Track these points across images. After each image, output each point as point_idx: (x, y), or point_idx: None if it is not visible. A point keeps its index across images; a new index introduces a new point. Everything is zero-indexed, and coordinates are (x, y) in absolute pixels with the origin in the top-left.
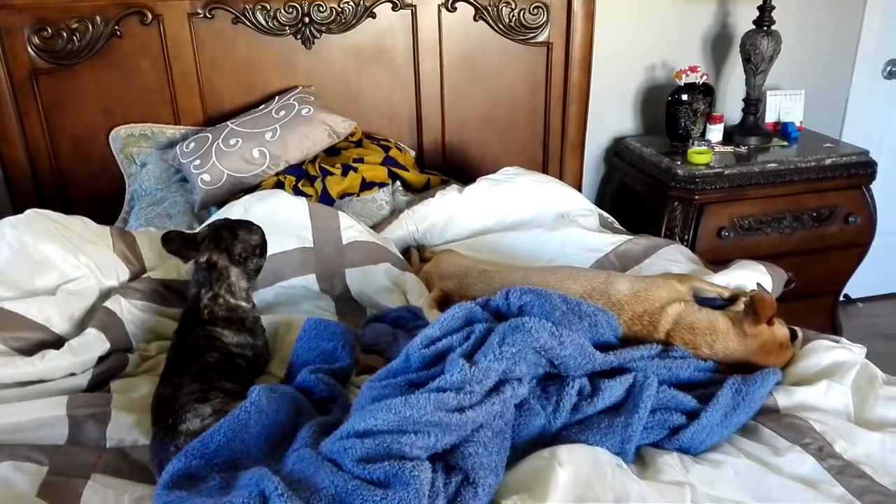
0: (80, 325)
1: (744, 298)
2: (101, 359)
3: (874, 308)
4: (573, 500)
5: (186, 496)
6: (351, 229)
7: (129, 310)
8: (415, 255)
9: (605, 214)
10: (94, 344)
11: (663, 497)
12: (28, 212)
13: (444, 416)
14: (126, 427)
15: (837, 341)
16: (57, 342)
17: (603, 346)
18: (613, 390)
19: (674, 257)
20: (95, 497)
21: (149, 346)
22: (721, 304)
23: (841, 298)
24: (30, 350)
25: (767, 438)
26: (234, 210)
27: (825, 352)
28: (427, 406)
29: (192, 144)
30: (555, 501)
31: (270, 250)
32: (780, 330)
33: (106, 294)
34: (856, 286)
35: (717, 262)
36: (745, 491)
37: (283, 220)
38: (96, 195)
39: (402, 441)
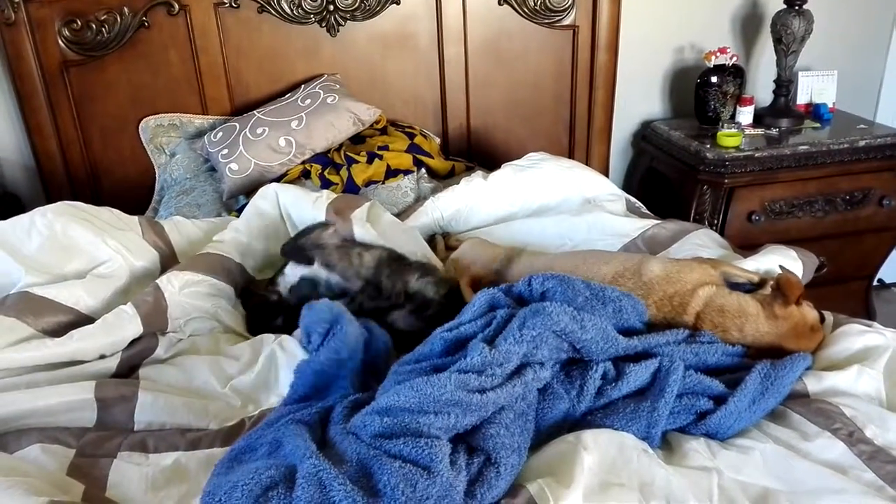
0: (109, 307)
1: (772, 282)
2: (132, 341)
3: None
4: (598, 485)
5: (238, 467)
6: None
7: (177, 288)
8: (440, 243)
9: (633, 199)
10: (127, 323)
11: (689, 482)
12: (58, 203)
13: (464, 395)
14: (155, 409)
15: (869, 325)
16: (87, 324)
17: (628, 332)
18: (638, 375)
19: (702, 242)
20: (122, 475)
21: (184, 327)
22: (750, 288)
23: (875, 283)
24: (60, 334)
25: (796, 424)
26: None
27: (856, 336)
28: (448, 385)
29: (220, 134)
30: (580, 486)
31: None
32: (810, 312)
33: (140, 275)
34: (890, 271)
35: (747, 246)
36: (773, 476)
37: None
38: (127, 185)
39: (420, 420)
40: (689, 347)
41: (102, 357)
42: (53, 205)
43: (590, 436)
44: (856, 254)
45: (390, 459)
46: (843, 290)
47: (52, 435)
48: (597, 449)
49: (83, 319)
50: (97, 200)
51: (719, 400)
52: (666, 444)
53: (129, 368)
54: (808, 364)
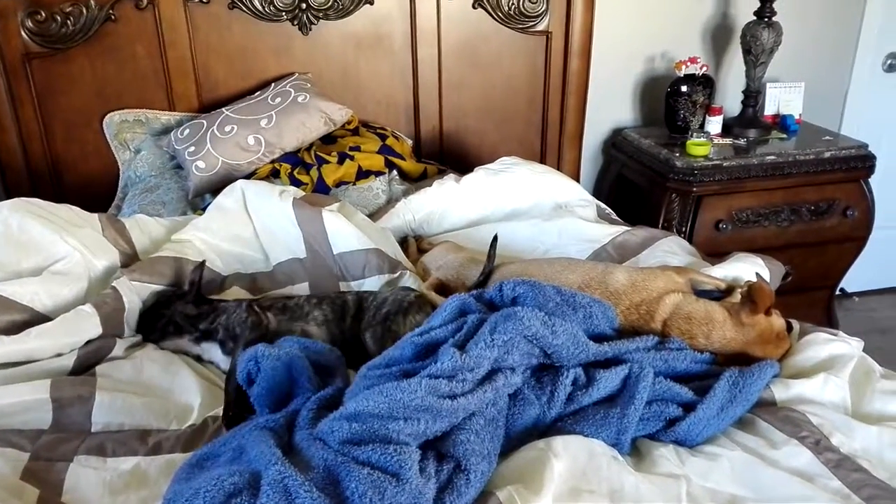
0: (67, 307)
1: (741, 289)
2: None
3: (870, 302)
4: (568, 492)
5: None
6: (338, 234)
7: (132, 291)
8: (412, 245)
9: (603, 206)
10: (86, 323)
11: (658, 489)
12: (14, 199)
13: (435, 401)
14: (113, 410)
15: (835, 334)
16: (43, 323)
17: (598, 338)
18: (609, 381)
19: (671, 249)
20: (78, 479)
21: (136, 334)
22: (718, 296)
23: (837, 292)
24: (14, 332)
25: (764, 431)
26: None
27: (823, 344)
28: (418, 391)
29: (187, 131)
30: (549, 493)
31: (272, 259)
32: (777, 321)
33: (99, 274)
34: (852, 280)
35: (715, 254)
36: (740, 484)
37: (277, 226)
38: (90, 181)
39: (389, 427)
40: (658, 354)
41: (59, 355)
42: (9, 201)
43: (560, 442)
44: (819, 263)
45: (358, 466)
46: (807, 299)
47: (5, 438)
48: (567, 455)
49: (39, 318)
50: (59, 196)
51: (688, 407)
52: (635, 451)
53: (85, 367)
54: (776, 372)
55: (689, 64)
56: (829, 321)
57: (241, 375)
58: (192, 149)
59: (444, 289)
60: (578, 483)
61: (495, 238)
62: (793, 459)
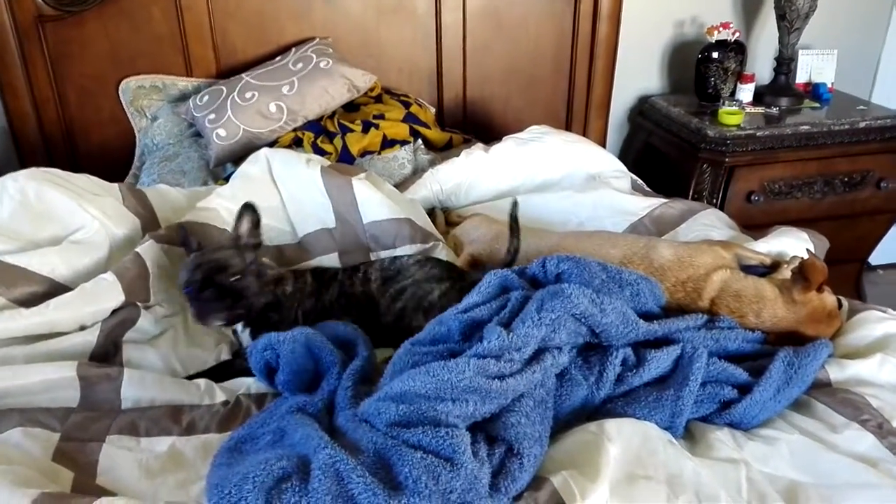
0: (88, 276)
1: (791, 266)
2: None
3: (894, 275)
4: (624, 478)
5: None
6: (368, 203)
7: (158, 255)
8: (440, 217)
9: (635, 177)
10: (108, 292)
11: (717, 475)
12: (31, 168)
13: (483, 382)
14: (143, 385)
15: (885, 311)
16: (63, 294)
17: (646, 316)
18: (660, 361)
19: (711, 222)
20: (113, 460)
21: (163, 303)
22: (763, 271)
23: None
24: (34, 304)
25: (822, 414)
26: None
27: (876, 322)
28: (467, 371)
29: (206, 98)
30: (606, 479)
31: (299, 230)
32: (829, 298)
33: (120, 244)
34: (875, 253)
35: (746, 227)
36: (801, 469)
37: (305, 195)
38: (106, 149)
39: (438, 408)
40: (709, 333)
41: (83, 328)
42: (26, 170)
43: (613, 425)
44: (851, 236)
45: (410, 450)
46: (836, 273)
47: (33, 417)
48: (621, 439)
49: (59, 289)
50: (73, 165)
51: (743, 389)
52: (688, 435)
53: (112, 344)
54: (830, 351)
55: (721, 29)
56: (857, 295)
57: (257, 366)
58: (213, 116)
59: (477, 264)
60: (634, 469)
61: (515, 206)
62: (855, 444)
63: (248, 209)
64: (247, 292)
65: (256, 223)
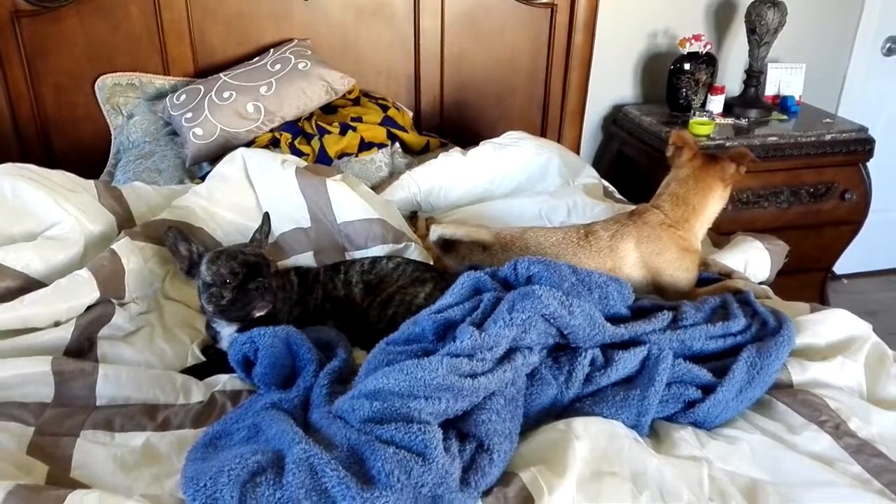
0: (62, 272)
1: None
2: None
3: (859, 284)
4: (591, 474)
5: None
6: (342, 204)
7: (133, 253)
8: (422, 221)
9: (606, 183)
10: (82, 288)
11: (680, 472)
12: (5, 164)
13: (456, 380)
14: (118, 383)
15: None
16: (37, 289)
17: (614, 319)
18: (627, 362)
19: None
20: (87, 455)
21: (138, 300)
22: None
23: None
24: (8, 299)
25: (782, 415)
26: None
27: (841, 324)
28: (440, 369)
29: (184, 96)
30: (573, 475)
31: (275, 229)
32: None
33: (96, 240)
34: (840, 262)
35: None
36: (761, 468)
37: (280, 195)
38: (81, 146)
39: (411, 405)
40: (674, 335)
41: (57, 324)
42: (1, 165)
43: (581, 423)
44: (815, 245)
45: (383, 445)
46: (801, 281)
47: (7, 411)
48: (588, 437)
49: (33, 284)
50: (49, 162)
51: (706, 389)
52: (653, 433)
53: (86, 340)
54: (793, 345)
55: (693, 41)
56: (821, 302)
57: (235, 359)
58: (190, 115)
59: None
60: (600, 465)
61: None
62: (813, 444)
63: (267, 217)
64: (278, 288)
65: (268, 231)
